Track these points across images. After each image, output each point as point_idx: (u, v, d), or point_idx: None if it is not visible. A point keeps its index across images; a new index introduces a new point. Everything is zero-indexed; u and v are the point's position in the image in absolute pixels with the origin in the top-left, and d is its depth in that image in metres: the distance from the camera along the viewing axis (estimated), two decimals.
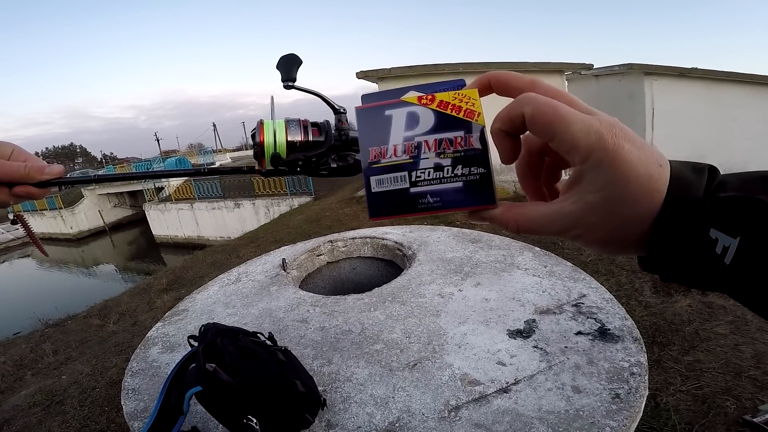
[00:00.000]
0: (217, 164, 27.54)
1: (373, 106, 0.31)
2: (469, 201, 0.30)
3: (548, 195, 0.34)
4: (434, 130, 0.30)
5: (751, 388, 1.84)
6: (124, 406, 1.12)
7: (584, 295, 1.33)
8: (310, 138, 0.47)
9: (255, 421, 0.82)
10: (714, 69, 8.11)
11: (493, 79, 0.30)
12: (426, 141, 0.30)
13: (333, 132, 0.49)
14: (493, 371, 1.03)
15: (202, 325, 1.06)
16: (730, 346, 2.14)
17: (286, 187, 12.26)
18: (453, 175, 0.30)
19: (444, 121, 0.30)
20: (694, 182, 0.25)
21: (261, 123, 0.47)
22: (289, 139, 0.46)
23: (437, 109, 0.30)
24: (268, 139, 0.45)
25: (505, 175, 7.56)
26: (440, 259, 1.74)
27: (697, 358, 2.08)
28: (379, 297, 1.49)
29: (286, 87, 0.50)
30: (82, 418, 2.46)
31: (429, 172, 0.30)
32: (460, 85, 0.31)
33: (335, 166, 0.48)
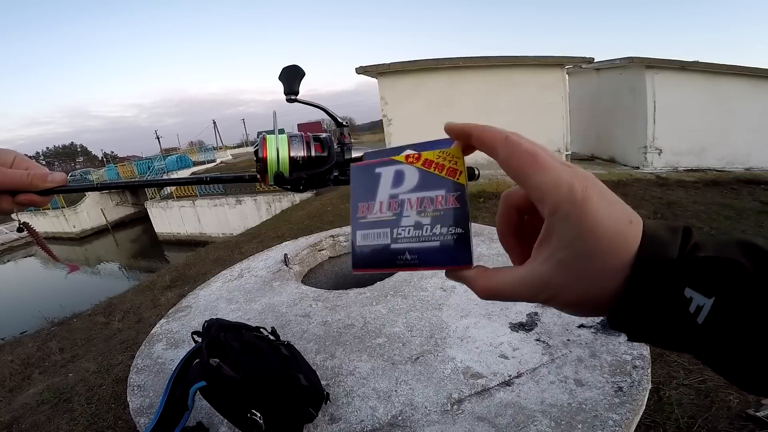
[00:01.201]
0: (219, 161, 27.55)
1: (366, 164, 0.33)
2: (445, 261, 0.30)
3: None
4: (417, 188, 0.31)
5: None
6: (130, 403, 1.12)
7: None
8: (313, 153, 0.47)
9: (259, 415, 0.82)
10: (715, 62, 8.05)
11: (475, 132, 0.30)
12: (409, 199, 0.31)
13: (336, 147, 0.49)
14: (495, 364, 1.04)
15: (206, 321, 1.07)
16: None
17: None
18: (432, 234, 0.30)
19: (427, 180, 0.31)
20: (668, 242, 0.25)
21: (264, 138, 0.47)
22: (291, 155, 0.46)
23: (422, 167, 0.31)
24: (270, 155, 0.46)
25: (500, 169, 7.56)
26: None
27: None
28: (381, 291, 1.49)
29: (289, 100, 0.50)
30: (90, 415, 2.48)
31: (409, 230, 0.31)
32: (448, 143, 0.31)
33: (337, 176, 0.49)
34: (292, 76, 0.51)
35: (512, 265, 0.32)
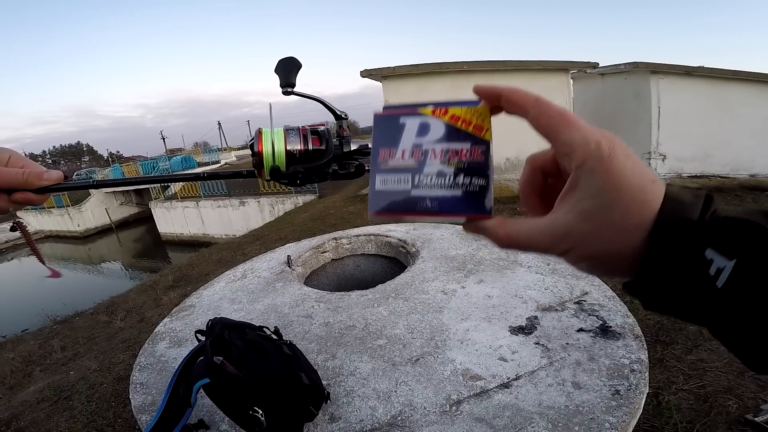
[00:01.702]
0: (223, 162, 27.64)
1: (390, 114, 0.33)
2: (466, 209, 0.30)
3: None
4: (443, 140, 0.31)
5: (754, 387, 1.84)
6: (132, 400, 1.14)
7: (587, 293, 1.33)
8: (310, 147, 0.46)
9: (261, 412, 0.84)
10: (720, 67, 8.04)
11: (505, 92, 0.30)
12: (433, 149, 0.31)
13: (334, 139, 0.48)
14: (494, 367, 1.05)
15: (210, 320, 1.08)
16: None
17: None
18: (454, 183, 0.31)
19: (453, 133, 0.31)
20: (690, 204, 0.25)
21: (259, 132, 0.46)
22: (288, 148, 0.45)
23: (448, 121, 0.31)
24: (266, 149, 0.45)
25: (510, 174, 7.56)
26: (443, 256, 1.76)
27: (700, 357, 2.08)
28: (383, 293, 1.50)
29: (285, 93, 0.49)
30: (90, 413, 2.49)
31: (431, 177, 0.31)
32: (475, 103, 0.32)
33: (336, 170, 0.48)
34: (288, 68, 0.49)
35: None
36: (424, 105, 0.32)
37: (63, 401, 2.71)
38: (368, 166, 0.33)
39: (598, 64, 8.30)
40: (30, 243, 0.57)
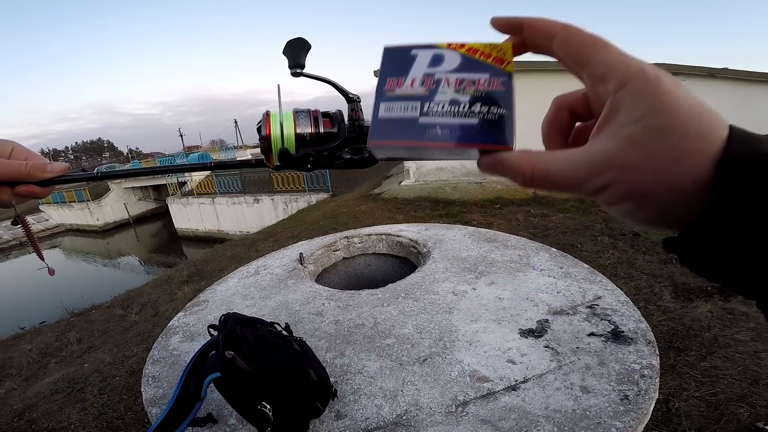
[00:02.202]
0: (238, 160, 27.93)
1: (401, 46, 0.30)
2: (482, 138, 0.27)
3: None
4: (458, 70, 0.28)
5: None
6: (143, 393, 1.16)
7: (599, 297, 1.32)
8: (321, 130, 0.43)
9: (269, 407, 0.85)
10: (745, 69, 7.85)
11: (528, 20, 0.27)
12: (447, 78, 0.28)
13: (346, 123, 0.45)
14: (502, 369, 1.04)
15: (222, 315, 1.10)
16: (749, 353, 2.10)
17: (304, 183, 12.40)
18: (470, 111, 0.27)
19: (470, 64, 0.28)
20: (763, 139, 0.21)
21: (267, 114, 0.43)
22: (297, 131, 0.42)
23: (465, 53, 0.28)
24: (275, 132, 0.42)
25: None
26: (455, 257, 1.75)
27: (714, 364, 2.05)
28: (393, 293, 1.51)
29: (294, 74, 0.46)
30: (101, 406, 2.54)
31: (443, 105, 0.28)
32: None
33: (349, 158, 0.45)
34: (297, 49, 0.47)
35: None
36: (439, 42, 0.29)
37: (76, 393, 2.77)
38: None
39: None
40: (30, 237, 0.56)
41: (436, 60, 0.29)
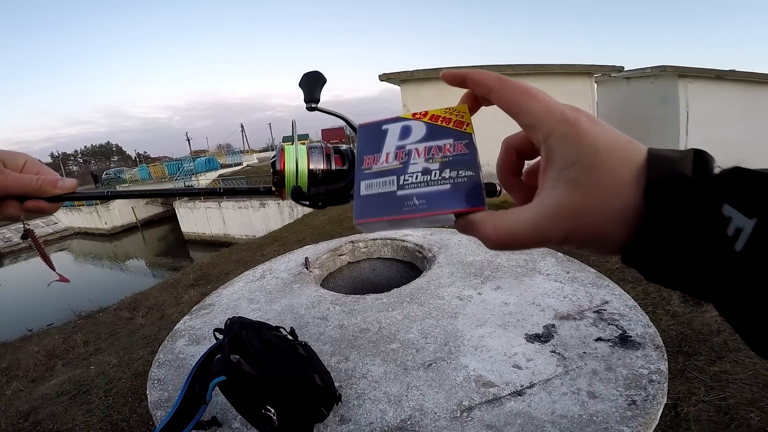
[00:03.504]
0: (245, 164, 28.03)
1: (373, 123, 0.33)
2: (455, 203, 0.28)
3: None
4: (425, 139, 0.31)
5: None
6: (149, 396, 1.16)
7: (607, 302, 1.31)
8: (333, 167, 0.44)
9: (273, 411, 0.85)
10: (753, 71, 7.79)
11: (469, 74, 0.30)
12: (416, 148, 0.31)
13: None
14: (508, 374, 1.04)
15: (228, 319, 1.10)
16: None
17: None
18: (440, 178, 0.29)
19: (434, 131, 0.31)
20: (679, 159, 0.22)
21: (282, 149, 0.44)
22: (311, 167, 0.44)
23: (429, 121, 0.31)
24: (289, 167, 0.43)
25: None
26: (460, 262, 1.75)
27: (723, 368, 2.02)
28: (398, 297, 1.50)
29: (309, 109, 0.48)
30: (106, 408, 2.55)
31: (417, 175, 0.30)
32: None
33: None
34: (312, 83, 0.48)
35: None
36: (405, 114, 0.32)
37: (81, 395, 2.77)
38: None
39: (623, 67, 8.15)
40: (40, 250, 0.55)
41: (405, 132, 0.32)
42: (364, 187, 0.31)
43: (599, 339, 1.13)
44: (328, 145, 0.46)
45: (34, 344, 4.26)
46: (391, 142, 0.32)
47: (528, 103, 0.26)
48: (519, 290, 1.45)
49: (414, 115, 0.32)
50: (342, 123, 0.52)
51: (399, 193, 0.30)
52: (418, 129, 0.31)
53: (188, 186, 17.23)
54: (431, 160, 0.30)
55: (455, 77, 0.30)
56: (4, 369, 3.73)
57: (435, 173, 0.29)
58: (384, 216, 0.29)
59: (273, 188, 0.45)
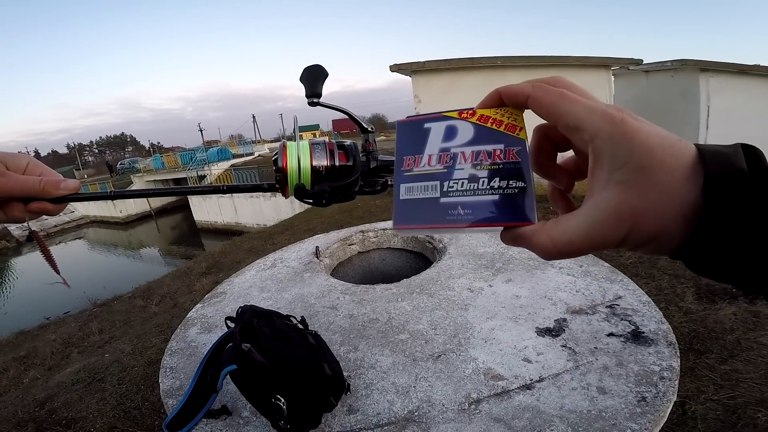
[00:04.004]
0: (256, 154, 28.15)
1: (414, 120, 0.31)
2: (504, 216, 0.26)
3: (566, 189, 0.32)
4: (472, 142, 0.28)
5: None
6: (161, 384, 1.18)
7: (620, 297, 1.29)
8: (337, 163, 0.43)
9: (283, 400, 0.86)
10: None
11: (501, 89, 0.29)
12: (462, 152, 0.28)
13: (360, 155, 0.45)
14: (517, 367, 1.03)
15: (240, 307, 1.11)
16: None
17: None
18: (489, 187, 0.27)
19: (483, 134, 0.28)
20: (732, 155, 0.22)
21: (284, 146, 0.43)
22: (314, 164, 0.42)
23: (477, 122, 0.29)
24: (291, 164, 0.42)
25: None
26: (471, 253, 1.74)
27: (734, 367, 1.99)
28: (408, 288, 1.50)
29: (311, 104, 0.47)
30: (119, 396, 2.59)
31: (463, 183, 0.28)
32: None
33: (361, 186, 0.45)
34: (314, 77, 0.47)
35: (558, 216, 0.28)
36: (450, 111, 0.30)
37: (96, 383, 2.83)
38: (392, 181, 0.31)
39: (642, 60, 7.96)
40: (45, 251, 0.55)
41: (450, 132, 0.29)
42: (404, 191, 0.29)
43: (611, 334, 1.12)
44: (332, 141, 0.45)
45: (51, 332, 4.37)
46: (434, 143, 0.29)
47: (568, 105, 0.25)
48: (531, 283, 1.44)
49: (460, 113, 0.29)
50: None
51: (443, 200, 0.28)
52: (465, 130, 0.29)
53: (201, 176, 17.37)
54: (479, 167, 0.28)
55: (491, 99, 0.29)
56: (22, 357, 3.82)
57: (483, 182, 0.27)
58: (425, 224, 0.28)
59: (276, 185, 0.44)
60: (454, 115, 0.29)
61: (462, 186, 0.28)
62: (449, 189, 0.28)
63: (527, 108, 0.28)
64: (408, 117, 0.31)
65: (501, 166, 0.27)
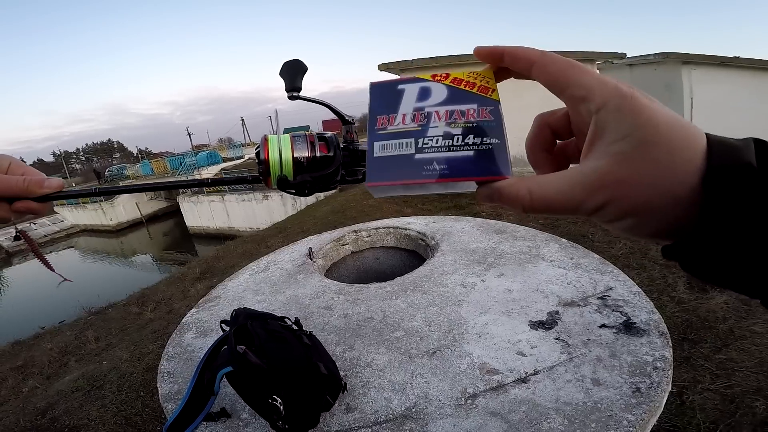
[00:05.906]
0: (246, 157, 28.02)
1: (387, 82, 0.31)
2: (479, 171, 0.27)
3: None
4: (446, 102, 0.29)
5: None
6: (159, 389, 1.18)
7: (611, 288, 1.31)
8: (318, 154, 0.44)
9: (279, 401, 0.86)
10: (759, 58, 7.66)
11: (508, 49, 0.28)
12: (437, 111, 0.29)
13: (341, 145, 0.46)
14: (512, 361, 1.04)
15: (234, 310, 1.11)
16: (766, 345, 2.06)
17: None
18: (464, 143, 0.27)
19: (457, 95, 0.29)
20: (742, 148, 0.22)
21: (265, 139, 0.44)
22: (295, 155, 0.43)
23: (451, 84, 0.29)
24: (273, 156, 0.43)
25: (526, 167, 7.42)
26: (464, 249, 1.75)
27: (729, 356, 2.01)
28: (401, 286, 1.51)
29: (291, 98, 0.48)
30: (120, 403, 2.59)
31: (437, 139, 0.28)
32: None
33: (343, 176, 0.46)
34: (293, 72, 0.48)
35: None
36: (423, 74, 0.30)
37: (95, 391, 2.82)
38: None
39: (625, 54, 8.03)
40: (35, 250, 0.55)
41: (424, 93, 0.29)
42: (378, 148, 0.29)
43: (603, 326, 1.13)
44: (313, 133, 0.46)
45: (47, 341, 4.33)
46: (408, 103, 0.30)
47: (578, 75, 0.25)
48: (522, 277, 1.45)
49: (434, 76, 0.30)
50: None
51: (417, 156, 0.28)
52: (439, 91, 0.29)
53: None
54: (453, 125, 0.28)
55: (490, 54, 0.29)
56: (20, 367, 3.79)
57: (458, 138, 0.28)
58: (400, 179, 0.28)
59: (260, 177, 0.45)
60: (428, 77, 0.30)
61: (437, 143, 0.28)
62: (424, 145, 0.28)
63: (527, 76, 0.28)
64: (381, 80, 0.31)
65: (475, 124, 0.28)
